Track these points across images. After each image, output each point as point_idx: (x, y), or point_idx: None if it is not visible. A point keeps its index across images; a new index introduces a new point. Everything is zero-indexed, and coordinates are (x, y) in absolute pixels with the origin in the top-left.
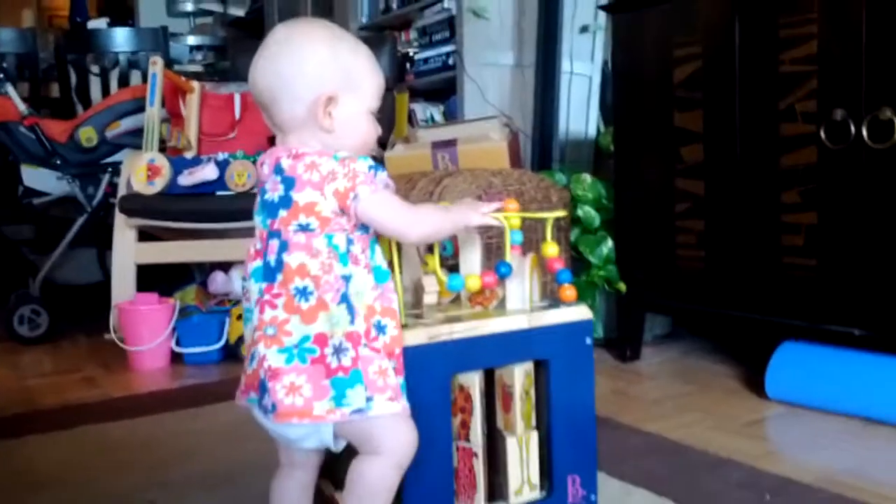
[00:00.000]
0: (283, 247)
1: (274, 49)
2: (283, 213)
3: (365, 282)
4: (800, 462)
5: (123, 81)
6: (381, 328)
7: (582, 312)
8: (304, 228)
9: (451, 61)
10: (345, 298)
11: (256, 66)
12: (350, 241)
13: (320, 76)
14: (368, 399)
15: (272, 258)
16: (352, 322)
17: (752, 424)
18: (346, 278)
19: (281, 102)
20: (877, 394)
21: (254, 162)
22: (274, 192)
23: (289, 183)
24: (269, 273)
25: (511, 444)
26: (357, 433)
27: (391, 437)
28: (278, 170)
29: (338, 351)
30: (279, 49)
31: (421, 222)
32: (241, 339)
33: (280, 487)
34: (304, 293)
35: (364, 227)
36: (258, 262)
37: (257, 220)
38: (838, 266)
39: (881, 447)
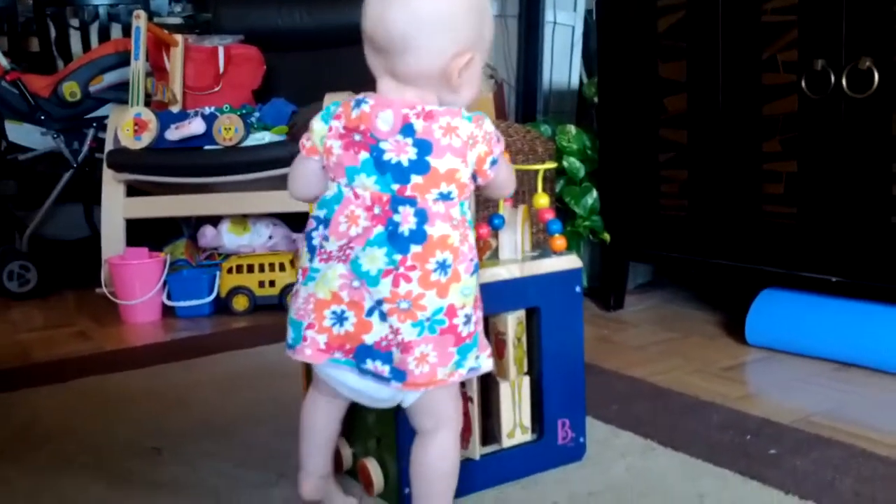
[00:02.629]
0: (423, 216)
1: None
2: (417, 178)
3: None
4: (777, 404)
5: (104, 35)
6: None
7: (572, 261)
8: (444, 197)
9: None
10: (476, 268)
11: (390, 6)
12: (469, 208)
13: (461, 29)
14: (477, 357)
15: (406, 227)
16: (477, 288)
17: (731, 369)
18: (474, 246)
19: (416, 52)
20: (851, 338)
21: (240, 116)
22: (400, 153)
23: (424, 147)
24: (402, 243)
25: (504, 389)
26: (438, 398)
27: (458, 404)
28: (408, 130)
29: (468, 320)
30: None
31: (515, 177)
32: (233, 293)
33: (318, 411)
34: (443, 266)
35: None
36: (379, 228)
37: (368, 179)
38: (817, 214)
39: (855, 389)
